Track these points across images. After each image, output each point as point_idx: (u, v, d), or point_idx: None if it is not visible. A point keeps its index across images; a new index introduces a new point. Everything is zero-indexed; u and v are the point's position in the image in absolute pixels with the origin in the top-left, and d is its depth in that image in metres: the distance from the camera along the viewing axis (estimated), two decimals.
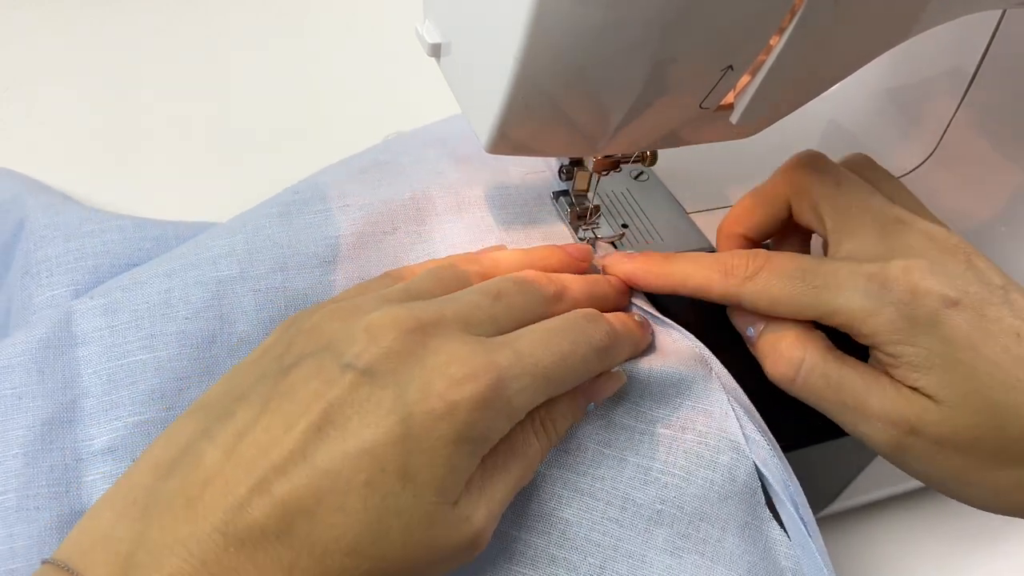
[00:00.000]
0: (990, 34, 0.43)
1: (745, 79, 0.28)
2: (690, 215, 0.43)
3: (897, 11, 0.28)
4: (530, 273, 0.29)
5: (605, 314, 0.29)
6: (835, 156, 0.50)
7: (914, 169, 0.48)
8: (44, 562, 0.21)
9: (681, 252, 0.32)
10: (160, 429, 0.28)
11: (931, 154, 0.48)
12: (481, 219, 0.36)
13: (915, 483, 0.44)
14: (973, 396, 0.26)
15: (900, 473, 0.29)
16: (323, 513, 0.21)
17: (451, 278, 0.28)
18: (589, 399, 0.28)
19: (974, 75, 0.44)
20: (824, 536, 0.37)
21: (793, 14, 0.25)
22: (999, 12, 0.42)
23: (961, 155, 0.46)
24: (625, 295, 0.33)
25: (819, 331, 0.30)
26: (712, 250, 0.41)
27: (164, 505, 0.21)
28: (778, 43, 0.26)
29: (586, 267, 0.33)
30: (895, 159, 0.49)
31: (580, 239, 0.36)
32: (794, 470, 0.30)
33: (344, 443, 0.22)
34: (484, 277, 0.29)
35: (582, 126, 0.29)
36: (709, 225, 0.42)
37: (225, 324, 0.29)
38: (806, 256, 0.29)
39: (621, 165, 0.35)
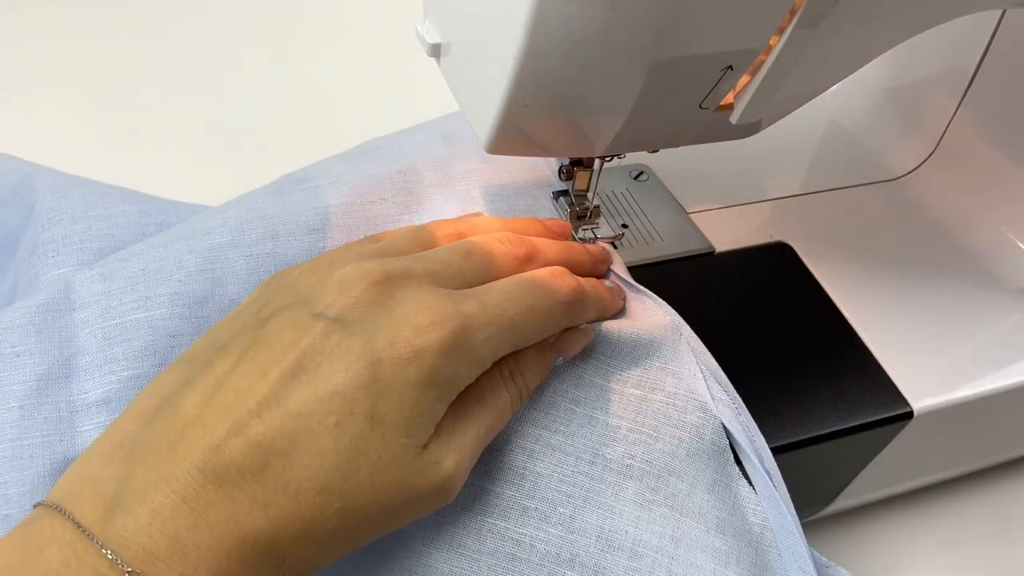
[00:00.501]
0: (990, 34, 0.43)
1: (745, 79, 0.28)
2: (690, 215, 0.43)
3: (897, 11, 0.28)
4: (503, 234, 0.30)
5: (575, 276, 0.30)
6: (835, 156, 0.50)
7: (914, 169, 0.48)
8: (36, 505, 0.22)
9: None
10: None
11: (931, 154, 0.48)
12: (467, 192, 0.36)
13: (914, 483, 0.44)
14: None
15: (899, 473, 0.29)
16: (296, 453, 0.22)
17: (427, 239, 0.29)
18: (557, 353, 0.29)
19: (974, 75, 0.44)
20: (824, 536, 0.37)
21: (793, 14, 0.25)
22: (999, 12, 0.42)
23: (961, 155, 0.46)
24: (603, 264, 0.34)
25: None
26: (712, 251, 0.41)
27: (148, 448, 0.22)
28: (778, 43, 0.26)
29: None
30: (895, 159, 0.49)
31: (580, 239, 0.36)
32: (794, 470, 0.30)
33: (315, 387, 0.23)
34: (460, 239, 0.30)
35: (582, 126, 0.29)
36: (709, 225, 0.42)
37: (217, 286, 0.30)
38: None
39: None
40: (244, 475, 0.22)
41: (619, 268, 0.35)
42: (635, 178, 0.44)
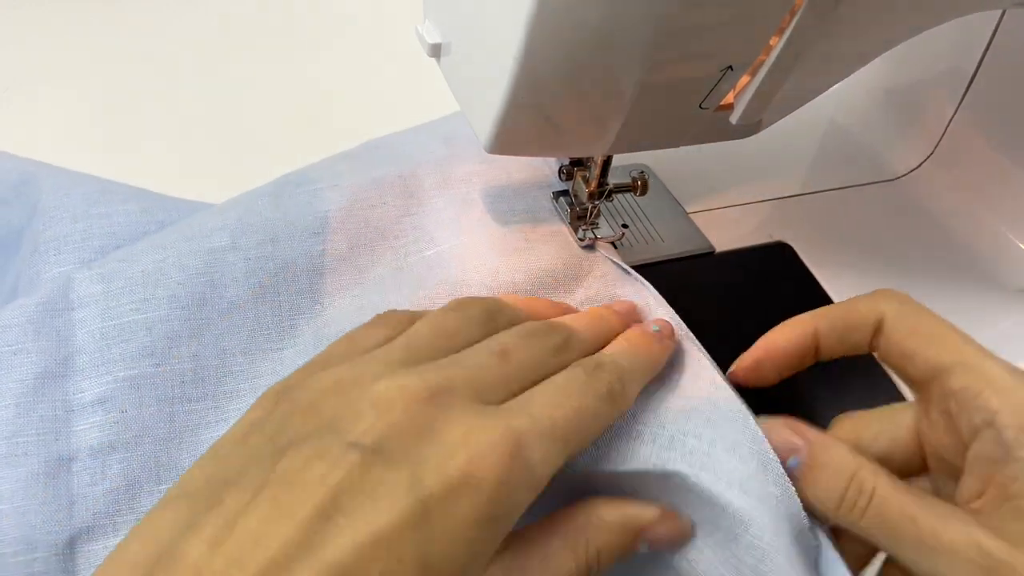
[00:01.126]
0: (990, 34, 0.43)
1: (745, 79, 0.28)
2: (690, 215, 0.43)
3: (897, 11, 0.28)
4: (533, 325, 0.27)
5: (608, 349, 0.28)
6: (835, 156, 0.51)
7: (914, 169, 0.48)
8: None
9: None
10: (150, 384, 0.28)
11: (931, 154, 0.48)
12: (467, 194, 0.36)
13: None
14: None
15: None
16: None
17: (457, 328, 0.26)
18: (649, 543, 0.26)
19: (974, 75, 0.44)
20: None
21: (793, 14, 0.25)
22: (999, 12, 0.42)
23: (961, 155, 0.46)
24: (632, 318, 0.32)
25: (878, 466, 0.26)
26: (712, 251, 0.41)
27: None
28: (778, 43, 0.26)
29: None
30: (895, 159, 0.49)
31: (580, 239, 0.36)
32: None
33: (355, 532, 0.19)
34: (489, 322, 0.27)
35: (582, 126, 0.29)
36: (709, 225, 0.42)
37: (216, 289, 0.30)
38: (918, 502, 0.24)
39: (613, 195, 0.35)
40: None
41: (663, 311, 0.33)
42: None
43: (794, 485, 0.26)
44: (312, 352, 0.28)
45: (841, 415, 0.29)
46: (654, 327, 0.30)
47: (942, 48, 0.46)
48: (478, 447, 0.21)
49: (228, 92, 0.66)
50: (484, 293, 0.33)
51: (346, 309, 0.32)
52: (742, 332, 0.37)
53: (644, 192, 0.35)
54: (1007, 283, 0.43)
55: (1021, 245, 0.43)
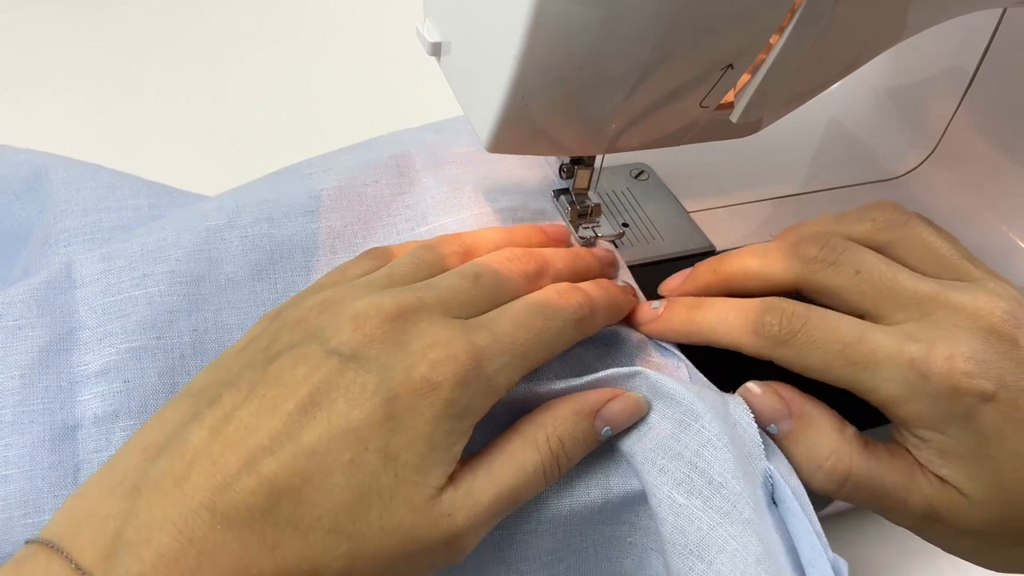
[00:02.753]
0: (990, 34, 0.43)
1: (745, 78, 0.28)
2: (690, 214, 0.43)
3: (897, 10, 0.28)
4: (511, 250, 0.29)
5: (582, 283, 0.29)
6: (836, 155, 0.50)
7: (914, 169, 0.48)
8: (29, 542, 0.22)
9: (708, 298, 0.31)
10: (151, 356, 0.29)
11: (931, 154, 0.48)
12: (460, 175, 0.37)
13: None
14: (998, 490, 0.26)
15: None
16: (307, 491, 0.22)
17: (432, 260, 0.29)
18: (605, 423, 0.27)
19: (974, 75, 0.44)
20: (824, 535, 0.37)
21: (793, 14, 0.25)
22: (999, 12, 0.42)
23: (961, 155, 0.46)
24: (610, 267, 0.33)
25: (851, 427, 0.29)
26: (712, 251, 0.41)
27: (152, 485, 0.22)
28: (778, 42, 0.26)
29: (564, 247, 0.34)
30: (895, 159, 0.49)
31: (580, 238, 0.36)
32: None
33: (330, 424, 0.22)
34: (466, 256, 0.30)
35: (582, 125, 0.29)
36: (709, 224, 0.42)
37: (213, 265, 0.31)
38: (844, 322, 0.27)
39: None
40: (254, 515, 0.21)
41: (627, 276, 0.35)
42: (635, 177, 0.44)
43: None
44: None
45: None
46: (620, 283, 0.32)
47: (942, 48, 0.46)
48: (439, 356, 0.24)
49: (228, 92, 0.66)
50: None
51: None
52: None
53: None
54: None
55: (1021, 244, 0.43)
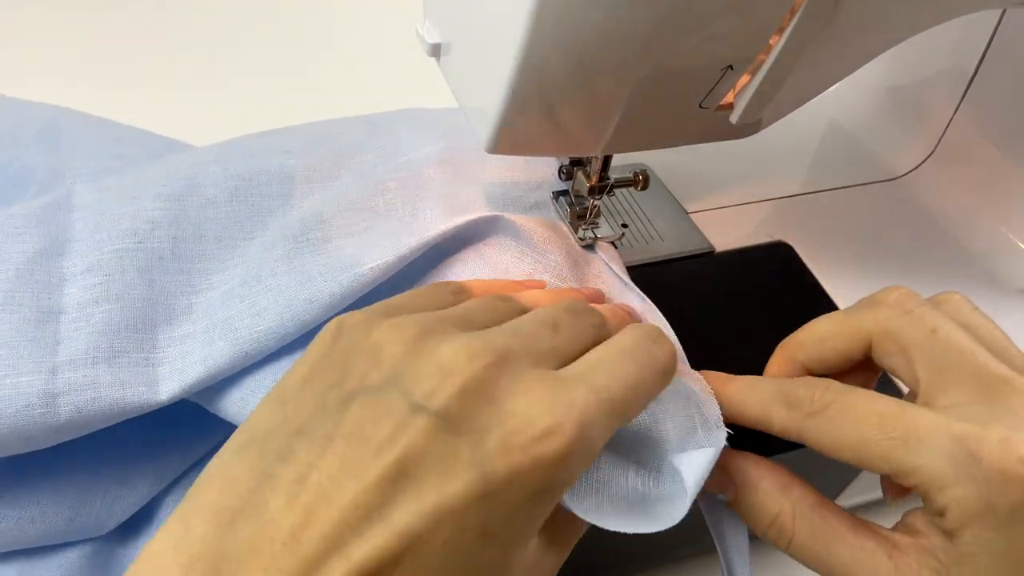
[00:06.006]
0: (990, 34, 0.43)
1: (745, 79, 0.28)
2: (690, 215, 0.43)
3: (897, 11, 0.28)
4: (572, 302, 0.28)
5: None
6: (836, 156, 0.50)
7: (914, 169, 0.48)
8: None
9: (737, 376, 0.30)
10: (132, 257, 0.31)
11: (931, 154, 0.48)
12: (439, 132, 0.39)
13: None
14: None
15: None
16: (400, 571, 0.20)
17: (505, 310, 0.27)
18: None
19: (974, 75, 0.44)
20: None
21: (793, 14, 0.25)
22: (999, 12, 0.42)
23: (961, 155, 0.46)
24: (635, 319, 0.33)
25: (800, 487, 0.28)
26: (711, 251, 0.41)
27: (236, 561, 0.20)
28: (778, 43, 0.26)
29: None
30: (895, 159, 0.49)
31: (580, 239, 0.36)
32: (794, 470, 0.30)
33: (422, 500, 0.20)
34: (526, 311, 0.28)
35: (582, 126, 0.29)
36: (709, 225, 0.42)
37: (196, 188, 0.34)
38: (885, 398, 0.25)
39: (614, 189, 0.35)
40: None
41: (617, 268, 0.35)
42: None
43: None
44: (277, 240, 0.33)
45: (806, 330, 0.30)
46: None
47: (942, 48, 0.46)
48: (541, 424, 0.21)
49: (228, 94, 0.66)
50: (444, 190, 0.35)
51: (310, 205, 0.35)
52: (742, 332, 0.37)
53: (645, 187, 0.36)
54: (1007, 283, 0.43)
55: (1021, 245, 0.43)
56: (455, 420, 0.21)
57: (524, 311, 0.27)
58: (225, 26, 0.74)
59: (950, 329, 0.26)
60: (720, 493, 0.28)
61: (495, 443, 0.21)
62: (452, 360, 0.22)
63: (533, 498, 0.21)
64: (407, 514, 0.20)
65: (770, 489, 0.27)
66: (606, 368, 0.24)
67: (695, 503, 0.26)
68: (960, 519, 0.23)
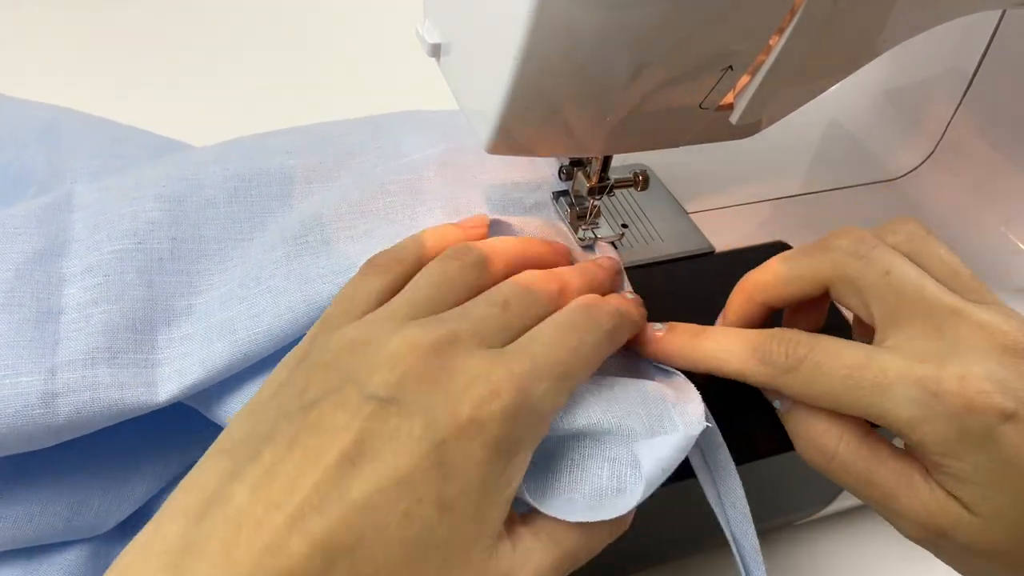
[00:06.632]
0: (990, 34, 0.43)
1: (745, 79, 0.28)
2: (690, 215, 0.43)
3: (897, 11, 0.28)
4: (531, 275, 0.29)
5: (605, 297, 0.29)
6: (835, 156, 0.50)
7: (914, 169, 0.48)
8: None
9: (712, 327, 0.31)
10: (131, 258, 0.31)
11: (931, 154, 0.48)
12: (446, 134, 0.39)
13: None
14: (1012, 512, 0.25)
15: None
16: (363, 548, 0.21)
17: (453, 277, 0.28)
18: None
19: (974, 75, 0.44)
20: (823, 537, 0.37)
21: (793, 14, 0.25)
22: (999, 12, 0.42)
23: (961, 155, 0.46)
24: (618, 276, 0.33)
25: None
26: (711, 251, 0.41)
27: (197, 552, 0.20)
28: (778, 43, 0.26)
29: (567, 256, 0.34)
30: (895, 159, 0.49)
31: (580, 239, 0.36)
32: (793, 471, 0.30)
33: (378, 474, 0.21)
34: (483, 268, 0.29)
35: (582, 126, 0.29)
36: (709, 225, 0.42)
37: (196, 190, 0.34)
38: (851, 347, 0.27)
39: (614, 189, 0.35)
40: None
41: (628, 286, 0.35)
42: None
43: None
44: (276, 241, 0.33)
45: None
46: (629, 295, 0.32)
47: (942, 48, 0.46)
48: (482, 391, 0.23)
49: (228, 95, 0.66)
50: (444, 192, 0.35)
51: (309, 206, 0.35)
52: None
53: (645, 187, 0.36)
54: (1007, 283, 0.43)
55: (1021, 245, 0.43)
56: (404, 401, 0.23)
57: (477, 260, 0.29)
58: (225, 26, 0.74)
59: (902, 269, 0.28)
60: (775, 400, 0.30)
61: (442, 416, 0.22)
62: (398, 350, 0.24)
63: (484, 463, 0.22)
64: (363, 489, 0.21)
65: (819, 409, 0.28)
66: (544, 337, 0.26)
67: (704, 507, 0.26)
68: (937, 449, 0.25)
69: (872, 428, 0.28)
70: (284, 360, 0.27)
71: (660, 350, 0.31)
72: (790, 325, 0.32)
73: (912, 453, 0.27)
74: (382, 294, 0.28)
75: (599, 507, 0.25)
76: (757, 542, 0.29)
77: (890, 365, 0.26)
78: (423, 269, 0.29)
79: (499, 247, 0.30)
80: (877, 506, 0.28)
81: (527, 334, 0.26)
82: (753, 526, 0.29)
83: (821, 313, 0.34)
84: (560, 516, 0.25)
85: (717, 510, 0.30)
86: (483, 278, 0.28)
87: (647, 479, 0.25)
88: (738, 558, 0.29)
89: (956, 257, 0.29)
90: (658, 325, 0.32)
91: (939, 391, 0.25)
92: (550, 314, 0.27)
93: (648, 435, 0.27)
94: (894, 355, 0.26)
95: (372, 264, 0.30)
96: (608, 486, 0.26)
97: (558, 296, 0.28)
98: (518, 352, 0.25)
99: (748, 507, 0.29)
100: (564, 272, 0.30)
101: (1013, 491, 0.25)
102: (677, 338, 0.31)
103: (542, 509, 0.25)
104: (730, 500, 0.30)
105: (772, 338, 0.28)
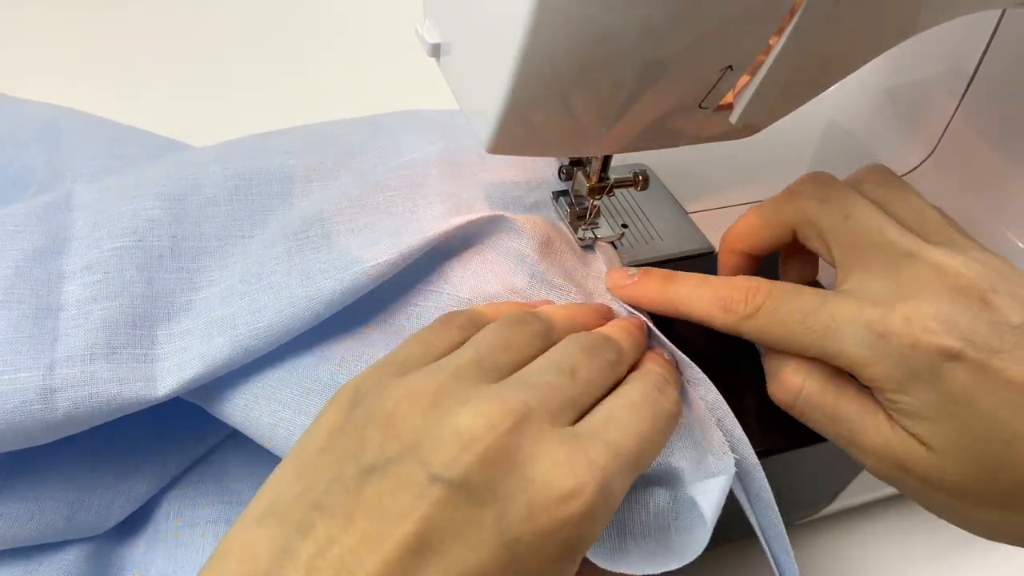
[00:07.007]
0: (990, 34, 0.43)
1: (745, 79, 0.28)
2: (690, 215, 0.43)
3: (897, 11, 0.28)
4: (591, 337, 0.28)
5: (648, 364, 0.29)
6: (835, 156, 0.50)
7: (914, 169, 0.48)
8: None
9: (683, 272, 0.32)
10: (131, 255, 0.31)
11: (931, 154, 0.48)
12: (439, 130, 0.39)
13: None
14: (965, 447, 0.26)
15: None
16: None
17: (517, 339, 0.27)
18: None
19: (974, 75, 0.44)
20: (823, 537, 0.37)
21: (793, 14, 0.25)
22: (999, 12, 0.42)
23: (961, 155, 0.46)
24: (645, 333, 0.32)
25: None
26: (712, 252, 0.41)
27: None
28: (778, 43, 0.26)
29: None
30: (895, 159, 0.49)
31: (579, 239, 0.36)
32: (793, 470, 0.31)
33: (446, 572, 0.20)
34: (546, 336, 0.28)
35: (582, 126, 0.29)
36: (709, 225, 0.42)
37: (197, 189, 0.34)
38: (806, 293, 0.28)
39: (614, 189, 0.35)
40: None
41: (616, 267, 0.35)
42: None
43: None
44: (277, 238, 0.32)
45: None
46: (667, 357, 0.32)
47: (942, 48, 0.46)
48: (563, 488, 0.21)
49: (228, 95, 0.66)
50: (444, 188, 0.35)
51: (309, 204, 0.35)
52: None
53: (645, 187, 0.36)
54: None
55: (1021, 245, 0.43)
56: (476, 489, 0.21)
57: (543, 329, 0.28)
58: (225, 26, 0.74)
59: (862, 212, 0.29)
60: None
61: (518, 510, 0.21)
62: (470, 426, 0.22)
63: (558, 560, 0.21)
64: None
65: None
66: (619, 423, 0.24)
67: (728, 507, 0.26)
68: (888, 387, 0.26)
69: (839, 368, 0.29)
70: (337, 395, 0.25)
71: (632, 294, 0.32)
72: (782, 277, 0.33)
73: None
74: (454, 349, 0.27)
75: (664, 552, 0.26)
76: (784, 530, 0.29)
77: (840, 308, 0.27)
78: (485, 330, 0.27)
79: (556, 314, 0.30)
80: (844, 443, 0.29)
81: (600, 414, 0.25)
82: (779, 514, 0.29)
83: (812, 265, 0.35)
84: (623, 568, 0.25)
85: (742, 498, 0.30)
86: (546, 348, 0.27)
87: (709, 520, 0.26)
88: (766, 546, 0.29)
89: (925, 202, 0.30)
90: (632, 270, 0.33)
91: (886, 332, 0.26)
92: (610, 383, 0.27)
93: (692, 471, 0.28)
94: (847, 298, 0.27)
95: (449, 316, 0.29)
96: (676, 539, 0.26)
97: (618, 360, 0.28)
98: (594, 438, 0.23)
99: (772, 496, 0.29)
100: (614, 333, 0.29)
101: (960, 426, 0.25)
102: (650, 282, 0.31)
103: (606, 565, 0.25)
104: (754, 491, 0.30)
105: (734, 286, 0.29)
